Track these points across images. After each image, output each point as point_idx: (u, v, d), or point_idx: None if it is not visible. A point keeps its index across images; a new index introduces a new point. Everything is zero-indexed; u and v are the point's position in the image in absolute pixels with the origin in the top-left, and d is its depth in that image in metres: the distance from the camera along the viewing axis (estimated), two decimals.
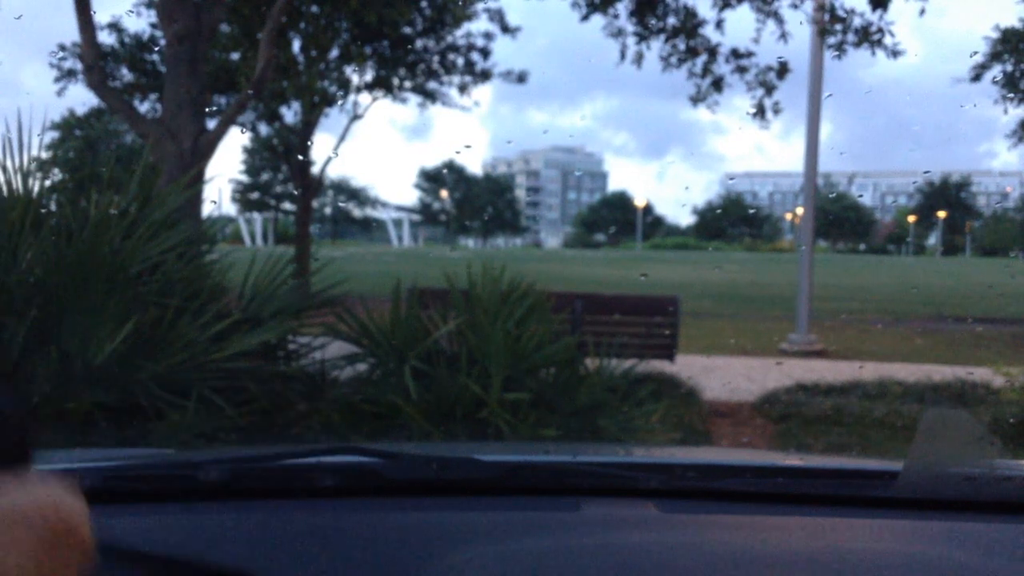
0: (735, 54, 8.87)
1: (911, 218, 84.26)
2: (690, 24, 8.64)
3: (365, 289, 4.37)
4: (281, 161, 17.99)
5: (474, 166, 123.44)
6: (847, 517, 1.09)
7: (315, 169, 15.79)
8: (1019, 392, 5.98)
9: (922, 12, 7.49)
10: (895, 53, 7.76)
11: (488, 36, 14.76)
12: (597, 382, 3.42)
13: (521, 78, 16.08)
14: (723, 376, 7.94)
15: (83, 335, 2.66)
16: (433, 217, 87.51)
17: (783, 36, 8.29)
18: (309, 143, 15.87)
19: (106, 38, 12.80)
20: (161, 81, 8.11)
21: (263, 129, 15.75)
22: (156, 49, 12.61)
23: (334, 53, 13.15)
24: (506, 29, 14.35)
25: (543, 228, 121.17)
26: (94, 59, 5.63)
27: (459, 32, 14.60)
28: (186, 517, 1.04)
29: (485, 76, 15.30)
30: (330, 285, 3.62)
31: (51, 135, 29.00)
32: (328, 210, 71.50)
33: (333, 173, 77.15)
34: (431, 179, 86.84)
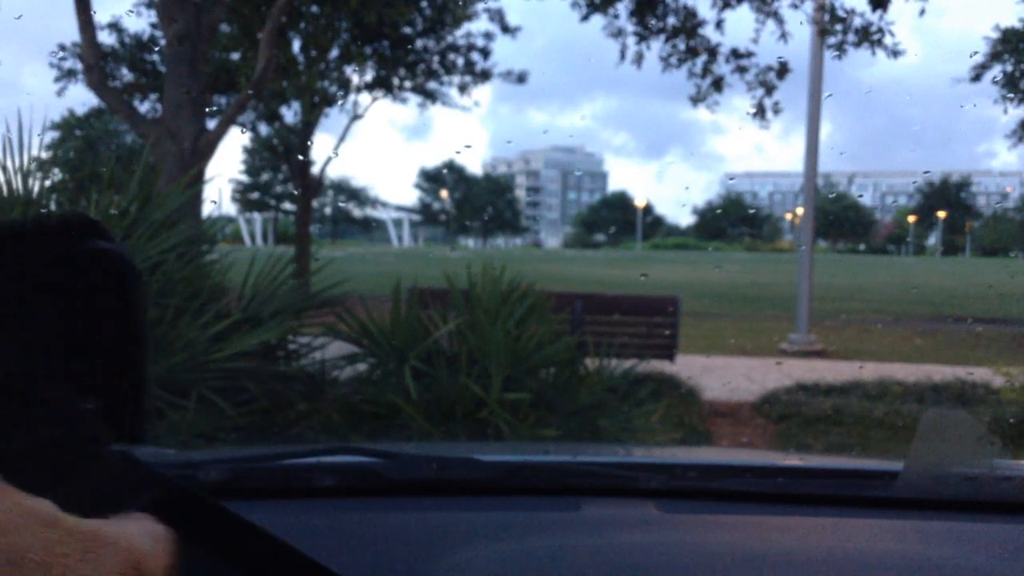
0: (735, 54, 8.87)
1: (911, 218, 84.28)
2: (690, 24, 8.65)
3: (365, 289, 4.37)
4: (281, 161, 17.98)
5: (474, 166, 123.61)
6: (847, 517, 1.09)
7: (315, 169, 15.79)
8: (1019, 392, 5.98)
9: (922, 12, 7.50)
10: (895, 53, 7.76)
11: (488, 36, 14.77)
12: (597, 382, 3.43)
13: (521, 78, 16.09)
14: (723, 376, 7.94)
15: None
16: (433, 217, 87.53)
17: (783, 36, 8.29)
18: (309, 143, 15.87)
19: (106, 38, 12.80)
20: (161, 81, 8.11)
21: (263, 129, 15.75)
22: (156, 49, 12.61)
23: (334, 53, 13.15)
24: (506, 29, 14.35)
25: (543, 228, 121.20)
26: (94, 59, 5.63)
27: (459, 32, 14.61)
28: None
29: (485, 76, 15.30)
30: (330, 285, 3.62)
31: (51, 135, 28.98)
32: (328, 210, 71.52)
33: (333, 173, 77.31)
34: (431, 179, 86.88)
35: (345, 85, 14.87)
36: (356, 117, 15.43)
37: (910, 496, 1.11)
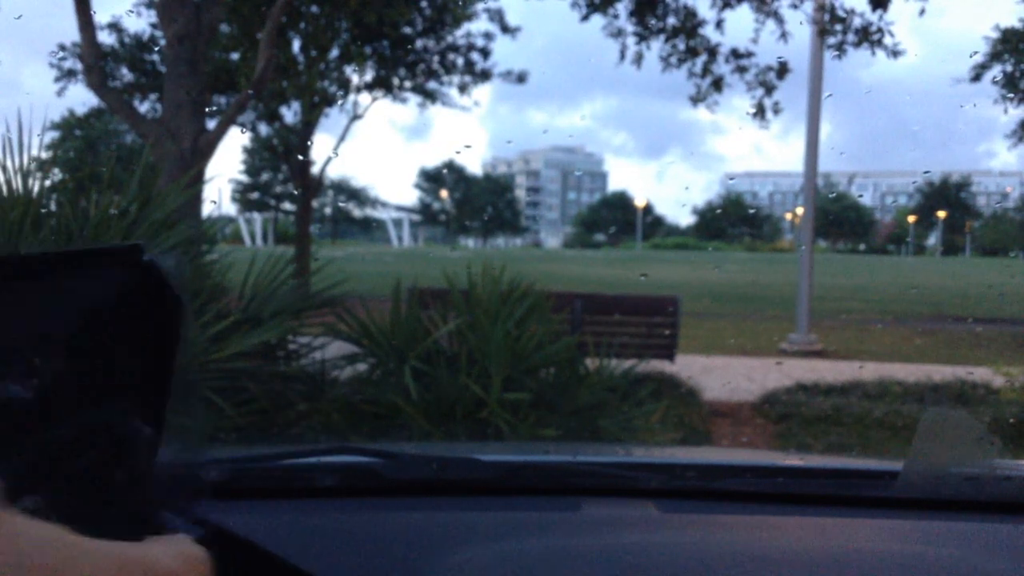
0: (735, 54, 8.87)
1: (911, 218, 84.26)
2: (690, 24, 8.64)
3: (365, 289, 4.38)
4: (281, 161, 17.98)
5: (474, 166, 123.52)
6: (847, 517, 1.09)
7: (315, 169, 15.79)
8: (1019, 392, 5.98)
9: (922, 12, 7.50)
10: (895, 53, 7.76)
11: (488, 36, 14.77)
12: (597, 382, 3.43)
13: (521, 78, 16.08)
14: (723, 376, 7.94)
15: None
16: (433, 217, 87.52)
17: (783, 36, 8.29)
18: (309, 143, 15.87)
19: (106, 38, 12.80)
20: (161, 81, 8.11)
21: (263, 129, 15.74)
22: (156, 49, 12.60)
23: (334, 53, 13.15)
24: (506, 29, 14.35)
25: (543, 228, 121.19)
26: (94, 59, 5.63)
27: (459, 32, 14.60)
28: None
29: (485, 76, 15.29)
30: (330, 285, 3.62)
31: (51, 135, 28.96)
32: (328, 210, 71.50)
33: (333, 173, 77.20)
34: (431, 179, 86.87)
35: (345, 85, 14.87)
36: (356, 117, 15.43)
37: (910, 496, 1.11)
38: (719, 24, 8.58)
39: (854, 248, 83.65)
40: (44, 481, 0.42)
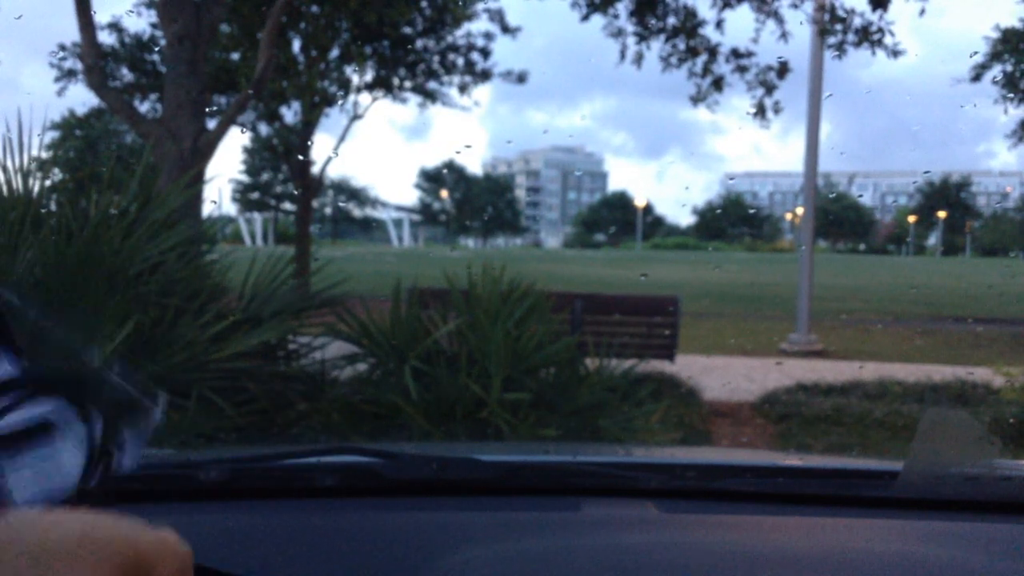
0: (735, 54, 8.87)
1: (911, 218, 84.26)
2: (690, 24, 8.64)
3: (365, 289, 4.38)
4: (281, 161, 17.98)
5: (474, 166, 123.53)
6: (847, 517, 1.09)
7: (315, 169, 15.78)
8: (1019, 392, 5.98)
9: (922, 12, 7.50)
10: (895, 53, 7.76)
11: (488, 36, 14.76)
12: (597, 382, 3.42)
13: (521, 78, 16.08)
14: (723, 376, 7.94)
15: (83, 335, 2.66)
16: (433, 217, 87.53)
17: (783, 36, 8.29)
18: (309, 143, 15.86)
19: (106, 38, 12.80)
20: (161, 81, 8.11)
21: (263, 129, 15.74)
22: (156, 49, 12.61)
23: (334, 53, 13.15)
24: (506, 29, 14.35)
25: (543, 228, 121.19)
26: (94, 59, 5.63)
27: (459, 32, 14.60)
28: (186, 517, 1.04)
29: (485, 76, 15.30)
30: (330, 285, 3.62)
31: (51, 135, 28.96)
32: (328, 210, 71.52)
33: (333, 173, 77.19)
34: (431, 179, 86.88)
35: (345, 85, 14.86)
36: (356, 117, 15.43)
37: (910, 496, 1.11)
38: (719, 24, 8.58)
39: (854, 248, 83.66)
40: None
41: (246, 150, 41.38)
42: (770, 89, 8.93)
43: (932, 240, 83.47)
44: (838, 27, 7.83)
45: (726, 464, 1.37)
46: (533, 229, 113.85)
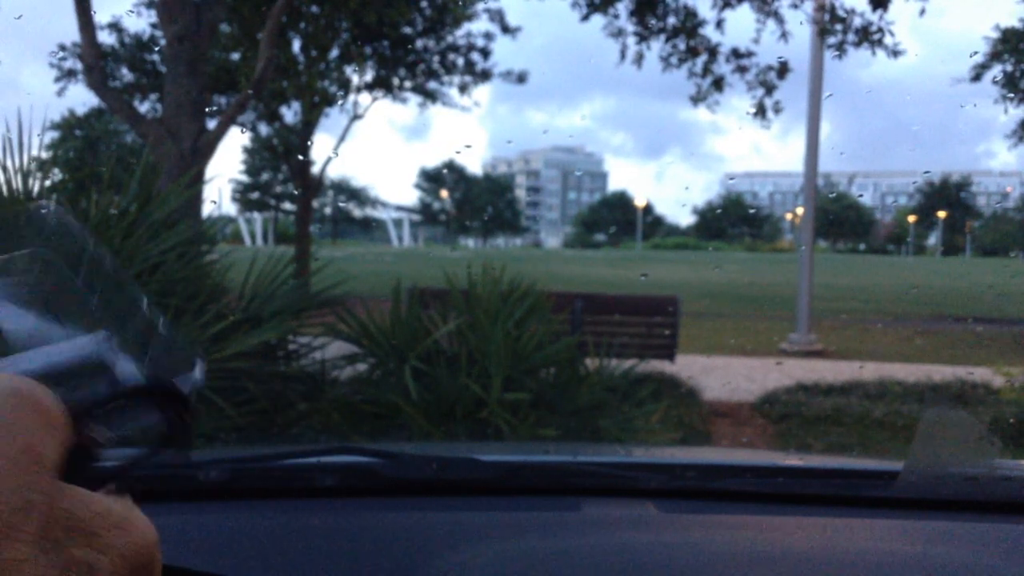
0: (735, 54, 8.87)
1: (911, 218, 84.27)
2: (690, 24, 8.64)
3: (365, 289, 4.38)
4: (281, 161, 17.98)
5: (474, 166, 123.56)
6: (847, 517, 1.09)
7: (315, 169, 15.78)
8: (1019, 392, 5.98)
9: (922, 12, 7.49)
10: (895, 53, 7.76)
11: (488, 36, 14.76)
12: (597, 382, 3.43)
13: (521, 78, 16.07)
14: (723, 376, 7.94)
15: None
16: (433, 217, 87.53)
17: (783, 36, 8.29)
18: (309, 143, 15.87)
19: (106, 38, 12.79)
20: (161, 81, 8.11)
21: (263, 129, 15.74)
22: (156, 49, 12.60)
23: (334, 53, 13.15)
24: (506, 29, 14.34)
25: (543, 228, 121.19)
26: (94, 59, 5.63)
27: (459, 32, 14.60)
28: (186, 517, 1.04)
29: (485, 76, 15.29)
30: (330, 285, 3.62)
31: (51, 135, 28.98)
32: (328, 210, 71.51)
33: (333, 173, 77.24)
34: (431, 179, 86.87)
35: (345, 85, 14.86)
36: (356, 117, 15.43)
37: (910, 496, 1.11)
38: (719, 24, 8.58)
39: (854, 248, 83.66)
40: None
41: (246, 150, 41.36)
42: (770, 89, 8.93)
43: (932, 240, 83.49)
44: (838, 27, 7.83)
45: (726, 464, 1.37)
46: (533, 229, 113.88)
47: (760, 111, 8.90)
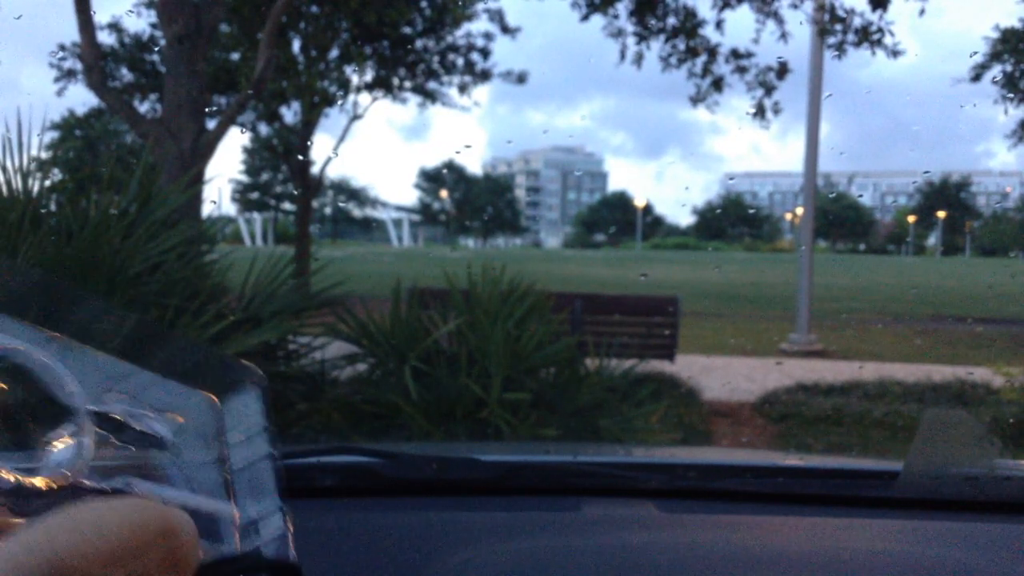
0: (735, 54, 8.87)
1: (911, 218, 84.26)
2: (690, 24, 8.64)
3: (365, 289, 4.38)
4: (281, 161, 17.98)
5: (474, 166, 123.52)
6: (847, 517, 1.09)
7: (315, 169, 15.78)
8: (1019, 392, 5.98)
9: (922, 12, 7.49)
10: (895, 53, 7.76)
11: (488, 36, 14.76)
12: (597, 382, 3.43)
13: (521, 78, 16.07)
14: (723, 376, 7.94)
15: None
16: (433, 217, 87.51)
17: (783, 36, 8.29)
18: (309, 143, 15.87)
19: (106, 38, 12.80)
20: (161, 81, 8.10)
21: (263, 129, 15.74)
22: (156, 49, 12.60)
23: (334, 53, 13.15)
24: (506, 29, 14.34)
25: (543, 228, 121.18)
26: (94, 59, 5.63)
27: (459, 32, 14.60)
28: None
29: (485, 76, 15.29)
30: (330, 285, 3.63)
31: (51, 135, 28.97)
32: (328, 210, 71.53)
33: (333, 173, 77.27)
34: (431, 179, 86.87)
35: (345, 85, 14.86)
36: (356, 117, 15.43)
37: (910, 496, 1.11)
38: (719, 24, 8.58)
39: (854, 248, 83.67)
40: None
41: (246, 150, 41.39)
42: (770, 89, 8.93)
43: (932, 240, 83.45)
44: (838, 27, 7.83)
45: (726, 464, 1.37)
46: (533, 229, 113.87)
47: (760, 111, 8.90)
